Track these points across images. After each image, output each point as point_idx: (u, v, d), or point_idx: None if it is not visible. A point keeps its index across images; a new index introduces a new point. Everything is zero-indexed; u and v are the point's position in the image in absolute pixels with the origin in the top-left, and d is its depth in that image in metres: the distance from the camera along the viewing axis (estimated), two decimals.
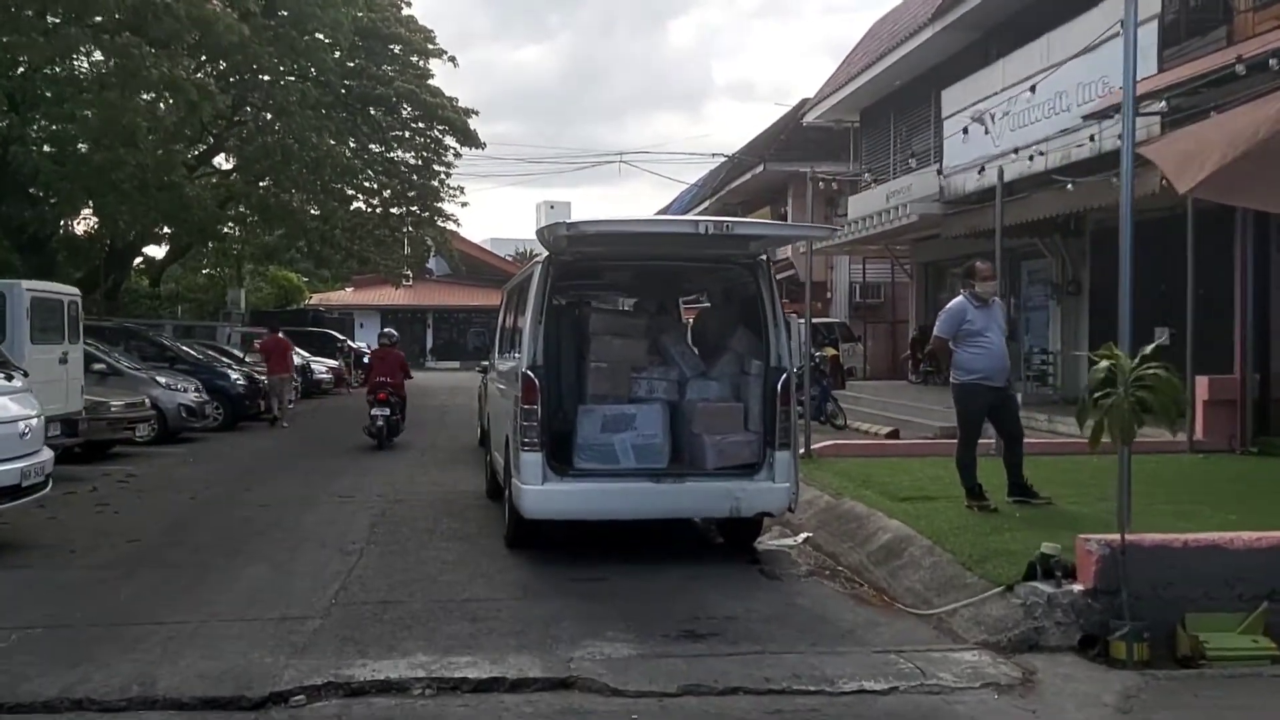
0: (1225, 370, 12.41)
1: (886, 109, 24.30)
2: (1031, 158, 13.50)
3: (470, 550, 8.30)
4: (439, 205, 32.48)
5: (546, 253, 7.80)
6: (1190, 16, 13.41)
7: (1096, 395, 5.58)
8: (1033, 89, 12.23)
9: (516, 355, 8.09)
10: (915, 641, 5.82)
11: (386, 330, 18.04)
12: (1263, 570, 5.56)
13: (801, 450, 9.63)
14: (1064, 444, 12.62)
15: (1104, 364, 5.53)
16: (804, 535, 8.64)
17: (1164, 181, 9.57)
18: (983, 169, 14.40)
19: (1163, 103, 9.91)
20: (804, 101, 30.30)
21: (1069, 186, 12.64)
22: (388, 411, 15.45)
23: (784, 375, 7.62)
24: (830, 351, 22.17)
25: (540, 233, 7.43)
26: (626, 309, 10.48)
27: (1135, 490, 9.00)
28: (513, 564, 7.78)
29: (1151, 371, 5.50)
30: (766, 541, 8.57)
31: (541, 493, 7.42)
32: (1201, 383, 12.08)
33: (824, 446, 12.04)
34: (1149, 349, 5.59)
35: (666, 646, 5.71)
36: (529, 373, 7.45)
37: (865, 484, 9.64)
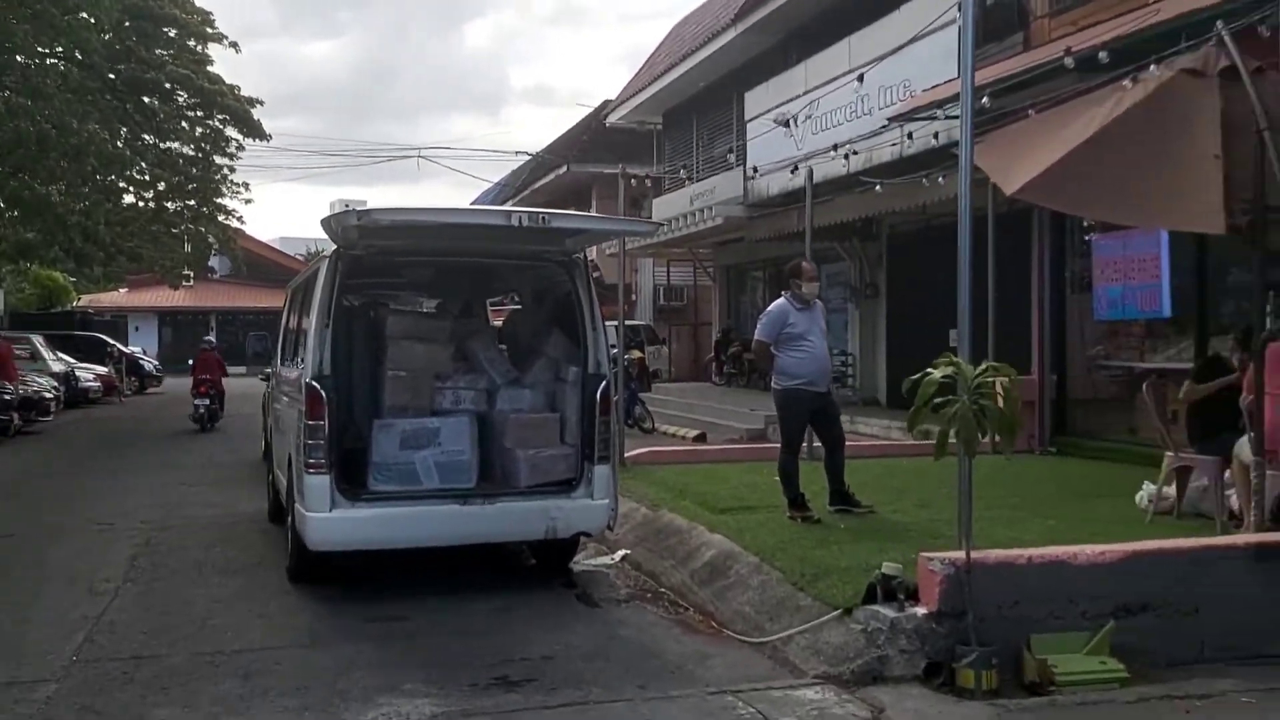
0: (1024, 371, 12.60)
1: (689, 111, 24.18)
2: (847, 156, 13.40)
3: (247, 586, 7.32)
4: (221, 201, 30.37)
5: (334, 247, 6.92)
6: (988, 22, 13.61)
7: (937, 402, 5.19)
8: (860, 78, 12.08)
9: (301, 362, 7.17)
10: (751, 676, 5.31)
11: (207, 339, 22.83)
12: (1107, 586, 5.32)
13: (618, 458, 9.06)
14: (870, 446, 12.59)
15: (939, 372, 5.15)
16: (622, 553, 8.07)
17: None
18: (795, 168, 14.24)
19: (985, 99, 9.87)
20: (606, 103, 29.96)
21: (878, 188, 12.60)
22: (208, 401, 19.18)
23: (603, 382, 7.02)
24: (636, 354, 21.82)
25: (326, 223, 6.55)
26: (429, 310, 9.63)
27: (948, 496, 8.92)
28: (297, 602, 6.87)
29: (991, 381, 5.17)
30: (583, 561, 7.94)
31: (329, 521, 6.55)
32: (997, 383, 12.18)
33: (639, 454, 11.53)
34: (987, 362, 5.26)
35: (475, 699, 4.99)
36: (314, 383, 6.56)
37: (683, 494, 9.15)
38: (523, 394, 7.57)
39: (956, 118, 12.19)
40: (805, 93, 16.28)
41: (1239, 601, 5.47)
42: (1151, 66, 6.80)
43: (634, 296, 29.65)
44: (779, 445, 8.57)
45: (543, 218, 6.19)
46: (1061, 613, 5.27)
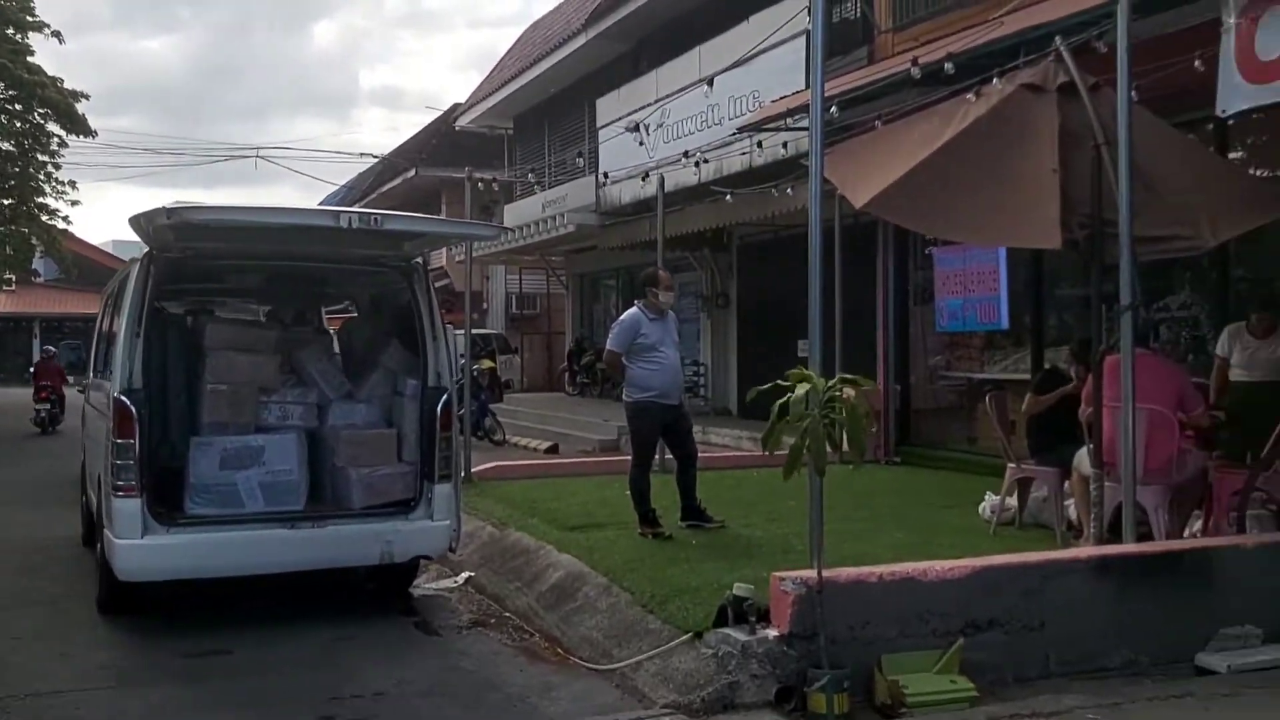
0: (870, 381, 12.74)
1: (541, 116, 23.88)
2: (698, 164, 13.30)
3: (53, 619, 6.69)
4: (44, 200, 28.51)
5: (147, 249, 6.36)
6: (834, 36, 13.75)
7: (790, 418, 5.03)
8: (710, 83, 11.98)
9: (111, 374, 6.58)
10: (597, 708, 5.06)
11: (47, 348, 25.08)
12: (956, 602, 5.25)
13: (462, 475, 8.67)
14: (721, 457, 12.52)
15: (801, 389, 5.00)
16: (465, 575, 7.70)
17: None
18: (646, 175, 14.10)
19: (833, 110, 9.90)
20: (456, 106, 29.36)
21: (729, 198, 12.55)
22: (48, 406, 20.66)
23: (444, 396, 6.65)
24: (488, 364, 21.36)
25: (136, 222, 5.98)
26: (255, 319, 9.05)
27: (798, 509, 8.87)
28: (107, 637, 6.29)
29: (840, 396, 5.04)
30: (423, 585, 7.54)
31: (140, 548, 6.00)
32: (848, 394, 12.28)
33: (486, 469, 11.15)
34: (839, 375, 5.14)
35: None
36: (122, 398, 6.00)
37: (532, 511, 8.84)
38: (357, 409, 7.13)
39: (804, 129, 12.42)
40: (657, 101, 16.20)
41: (1082, 615, 5.48)
42: (994, 80, 6.84)
43: (485, 305, 29.13)
44: (631, 458, 8.34)
45: (375, 219, 5.80)
46: (913, 631, 5.17)
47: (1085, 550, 5.72)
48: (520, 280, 28.88)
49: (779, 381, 5.17)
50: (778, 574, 5.14)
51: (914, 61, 7.20)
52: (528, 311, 29.19)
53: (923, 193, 6.54)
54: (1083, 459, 6.95)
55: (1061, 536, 7.26)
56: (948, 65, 7.13)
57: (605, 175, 16.40)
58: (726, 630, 5.17)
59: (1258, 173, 8.79)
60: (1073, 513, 7.54)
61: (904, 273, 12.79)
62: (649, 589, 6.15)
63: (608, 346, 7.74)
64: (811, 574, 5.06)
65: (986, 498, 8.35)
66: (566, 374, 24.29)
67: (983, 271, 11.44)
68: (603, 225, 18.44)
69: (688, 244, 17.38)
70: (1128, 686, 5.29)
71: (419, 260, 6.86)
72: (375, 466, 6.74)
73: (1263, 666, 5.51)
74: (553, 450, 17.60)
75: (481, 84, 26.94)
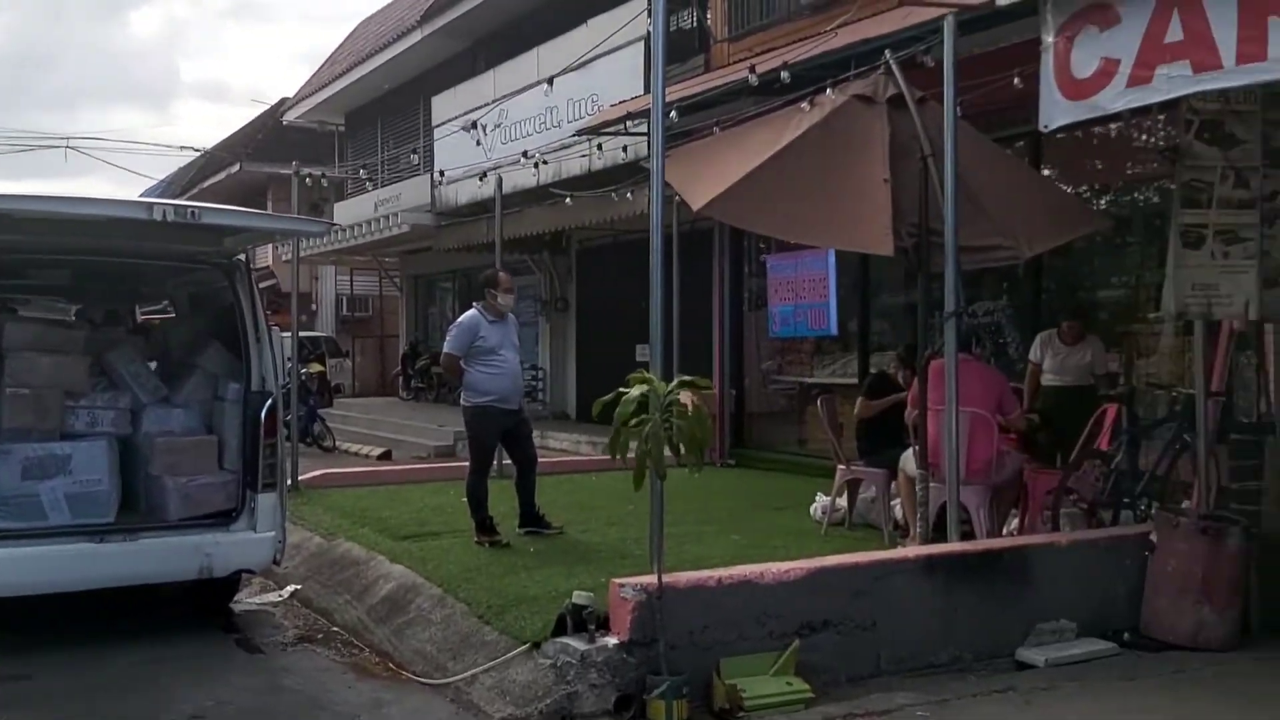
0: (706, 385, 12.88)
1: (374, 113, 23.29)
2: (537, 165, 13.17)
3: None
4: None
5: None
6: (672, 44, 13.86)
7: (633, 422, 4.99)
8: (550, 82, 11.88)
9: None
10: None
11: None
12: (792, 604, 5.31)
13: (288, 483, 8.32)
14: (560, 462, 12.45)
15: (636, 391, 4.96)
16: (291, 588, 7.38)
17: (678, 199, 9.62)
18: (484, 176, 13.89)
19: (673, 114, 9.94)
20: (284, 100, 28.35)
21: (568, 201, 12.49)
22: None
23: (268, 401, 6.34)
24: (317, 368, 20.69)
25: None
26: (62, 318, 8.45)
27: (636, 513, 8.86)
28: None
29: (681, 400, 5.03)
30: (245, 600, 7.19)
31: None
32: (683, 398, 12.38)
33: (314, 476, 10.74)
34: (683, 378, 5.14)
35: None
36: None
37: (362, 520, 8.54)
38: (174, 414, 6.73)
39: (643, 134, 12.50)
40: (495, 101, 15.99)
41: (910, 613, 5.63)
42: (828, 90, 6.99)
43: (314, 306, 28.23)
44: (468, 464, 8.16)
45: (192, 212, 5.46)
46: (750, 634, 5.20)
47: (913, 550, 5.88)
48: (351, 281, 28.12)
49: (621, 390, 5.12)
50: (617, 581, 5.08)
51: (752, 70, 7.31)
52: (359, 314, 28.44)
53: (760, 196, 6.63)
54: (908, 460, 7.16)
55: (889, 536, 7.46)
56: (784, 74, 7.25)
57: (442, 174, 16.09)
58: (565, 640, 5.08)
59: (1068, 188, 9.26)
60: (899, 512, 7.78)
61: (739, 279, 13.00)
62: (485, 599, 6.01)
63: (445, 349, 7.55)
64: (651, 580, 5.03)
65: (817, 499, 8.52)
66: (400, 378, 23.76)
67: (813, 279, 11.72)
68: (438, 226, 18.11)
69: (526, 247, 17.25)
70: (954, 682, 5.45)
71: (241, 257, 6.52)
72: (193, 475, 6.37)
73: (1077, 660, 5.78)
74: (385, 457, 17.17)
75: (311, 78, 26.10)
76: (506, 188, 14.90)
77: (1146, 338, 8.70)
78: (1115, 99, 5.20)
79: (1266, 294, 6.30)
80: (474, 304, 7.74)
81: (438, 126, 17.91)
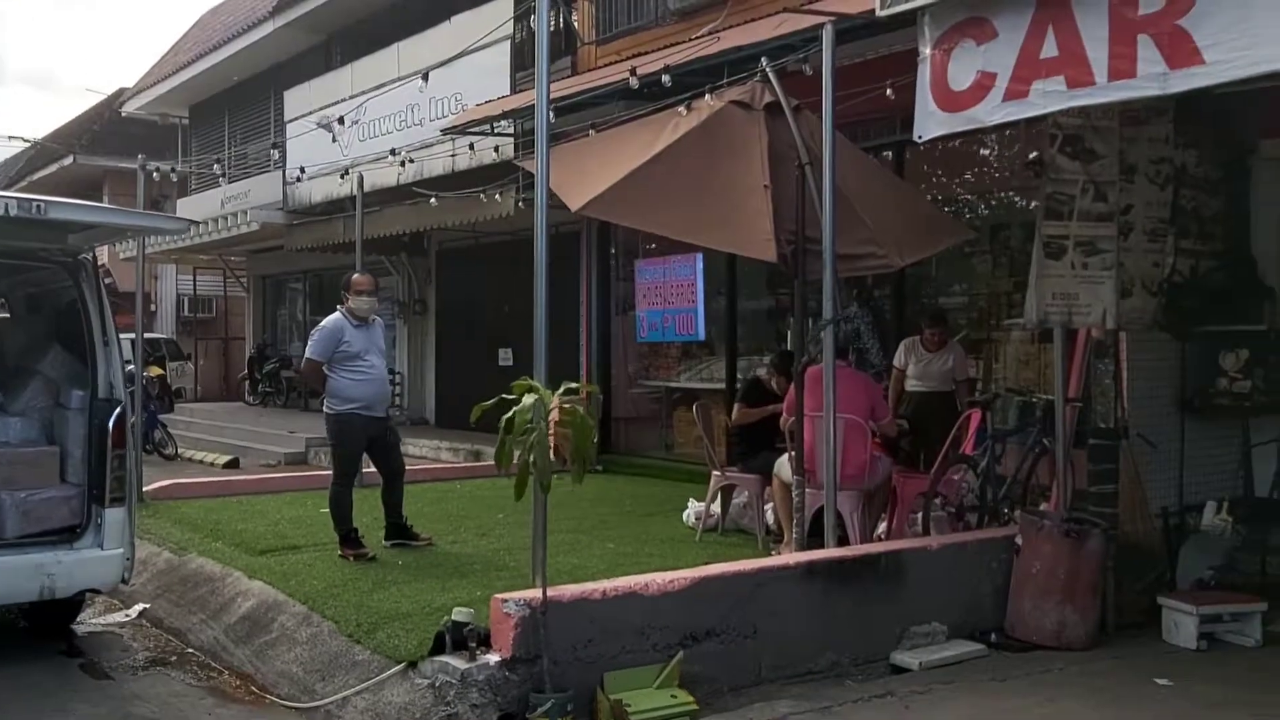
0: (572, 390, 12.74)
1: (222, 106, 22.33)
2: (404, 164, 12.79)
3: None
4: None
5: None
6: (533, 44, 13.67)
7: (520, 433, 4.83)
8: (425, 78, 11.54)
9: None
10: None
11: None
12: (675, 614, 5.23)
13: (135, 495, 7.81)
14: (422, 470, 12.09)
15: (529, 400, 4.80)
16: (139, 607, 6.93)
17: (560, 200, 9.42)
18: (346, 173, 13.42)
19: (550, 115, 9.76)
20: (122, 91, 26.95)
21: (433, 201, 12.17)
22: None
23: (118, 409, 5.91)
24: (156, 371, 19.70)
25: None
26: None
27: (507, 522, 8.68)
28: None
29: (566, 409, 4.90)
30: (89, 621, 6.71)
31: None
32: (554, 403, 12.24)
33: (161, 487, 10.14)
34: (572, 386, 5.01)
35: None
36: None
37: (215, 534, 8.10)
38: (10, 424, 6.22)
39: (509, 135, 12.30)
40: (352, 96, 15.50)
41: (790, 619, 5.62)
42: (707, 95, 6.96)
43: (154, 307, 26.90)
44: (326, 472, 7.86)
45: (37, 206, 5.05)
46: (634, 646, 5.10)
47: (794, 556, 5.88)
48: (195, 281, 26.90)
49: (505, 396, 4.95)
50: (499, 596, 4.91)
51: (633, 72, 7.23)
52: (202, 315, 27.25)
53: (641, 197, 6.56)
54: (783, 466, 7.19)
55: (763, 541, 7.48)
56: (665, 78, 7.19)
57: (302, 170, 15.45)
58: (444, 658, 4.88)
59: (932, 199, 9.50)
60: (771, 518, 7.82)
61: (606, 283, 12.93)
62: (354, 616, 5.74)
63: (307, 354, 7.21)
64: (535, 594, 4.88)
65: (690, 505, 8.50)
66: (247, 382, 22.85)
67: (681, 285, 11.75)
68: (291, 224, 17.46)
69: (385, 248, 16.79)
70: (834, 689, 5.47)
71: (87, 255, 6.07)
72: (34, 489, 5.89)
73: (949, 662, 5.88)
74: (232, 465, 16.47)
75: (153, 68, 24.88)
76: (365, 186, 14.50)
77: (1003, 345, 8.99)
78: (992, 112, 5.30)
79: (1122, 304, 6.56)
80: (338, 307, 7.42)
81: (291, 122, 17.27)
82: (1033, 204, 6.46)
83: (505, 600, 4.85)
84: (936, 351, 8.74)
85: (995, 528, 6.92)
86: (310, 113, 16.44)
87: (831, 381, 6.15)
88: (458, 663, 4.80)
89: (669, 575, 5.34)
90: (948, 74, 5.48)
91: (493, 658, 4.80)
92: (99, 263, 6.02)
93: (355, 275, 7.50)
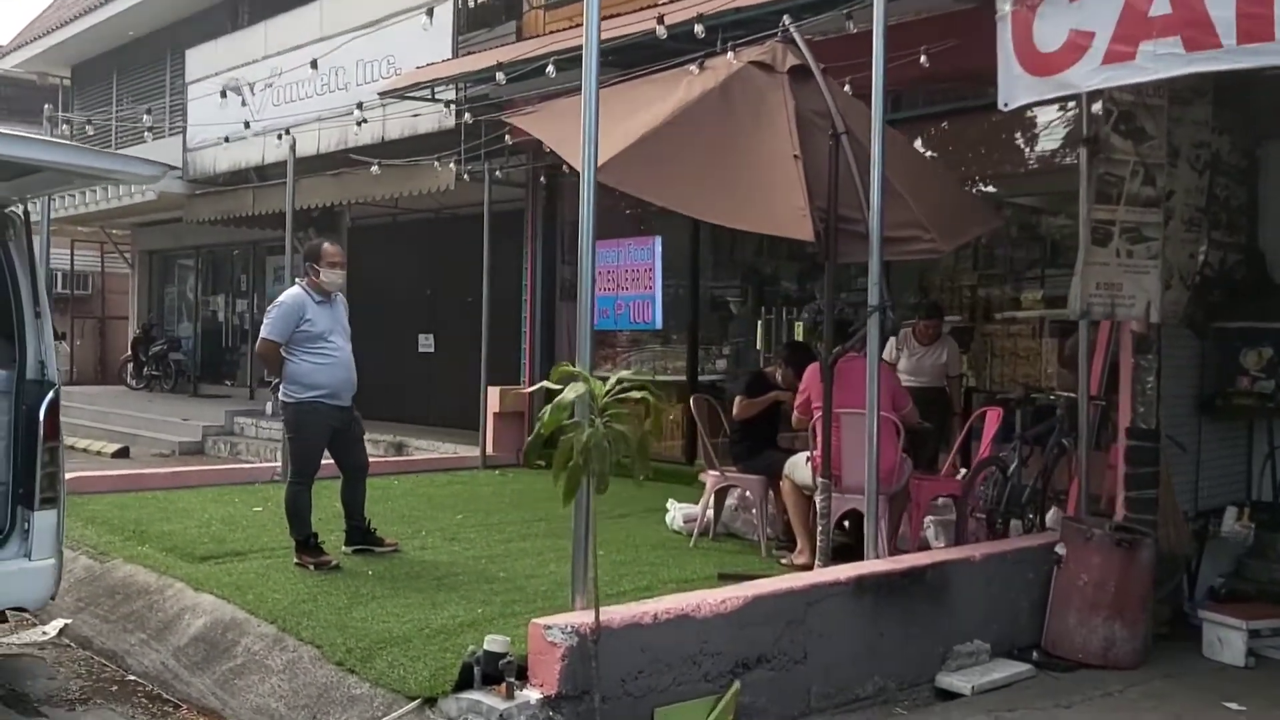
0: (513, 380, 11.94)
1: (110, 65, 20.63)
2: (361, 123, 11.63)
3: None
4: None
5: None
6: (478, 10, 12.78)
7: (565, 428, 4.08)
8: (313, 64, 10.61)
9: None
10: None
11: None
12: (727, 639, 4.56)
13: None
14: None
15: (572, 392, 4.05)
16: (58, 624, 5.92)
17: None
18: (281, 136, 12.23)
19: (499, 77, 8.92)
20: None
21: (374, 169, 11.15)
22: None
23: (51, 392, 4.93)
24: None
25: None
26: None
27: (469, 523, 7.88)
28: None
29: (622, 401, 4.15)
30: (1, 640, 5.68)
31: None
32: (493, 394, 11.43)
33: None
34: (626, 373, 4.28)
35: None
36: None
37: (137, 535, 7.08)
38: None
39: (451, 101, 11.38)
40: (266, 58, 14.33)
41: (840, 641, 5.02)
42: (729, 53, 6.27)
43: None
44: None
45: None
46: (685, 677, 4.41)
47: (843, 570, 5.25)
48: (71, 255, 24.98)
49: (547, 383, 4.20)
50: (540, 621, 4.15)
51: (660, 20, 6.46)
52: (79, 291, 25.32)
53: (658, 163, 5.83)
54: (796, 467, 6.58)
55: (766, 548, 6.85)
56: (698, 27, 6.44)
57: (226, 140, 14.12)
58: (474, 695, 4.11)
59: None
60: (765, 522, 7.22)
61: (552, 265, 12.11)
62: (338, 639, 4.89)
63: (264, 334, 6.25)
64: (583, 619, 4.14)
65: (671, 506, 7.82)
66: (130, 365, 21.25)
67: (637, 269, 10.99)
68: (192, 195, 16.13)
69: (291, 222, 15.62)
70: (886, 718, 4.90)
71: (17, 209, 5.03)
72: None
73: (999, 684, 5.37)
74: (123, 454, 15.16)
75: (34, 22, 22.94)
76: (278, 155, 13.37)
77: (1000, 339, 8.54)
78: (1088, 76, 4.76)
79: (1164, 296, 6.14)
80: (296, 280, 6.50)
81: (193, 84, 15.94)
82: (1080, 187, 5.92)
83: (549, 626, 4.10)
84: (929, 345, 8.25)
85: (1031, 535, 6.43)
86: (216, 74, 15.17)
87: (875, 376, 5.53)
88: (493, 701, 4.02)
89: (720, 595, 4.66)
90: (1034, 33, 4.93)
91: (533, 695, 4.05)
92: (29, 219, 4.99)
93: (325, 244, 6.59)
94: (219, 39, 15.93)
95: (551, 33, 11.32)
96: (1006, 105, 5.01)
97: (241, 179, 15.33)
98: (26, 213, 5.02)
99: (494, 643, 4.16)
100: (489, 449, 11.36)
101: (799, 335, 9.80)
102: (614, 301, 11.21)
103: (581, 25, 10.35)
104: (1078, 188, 6.02)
